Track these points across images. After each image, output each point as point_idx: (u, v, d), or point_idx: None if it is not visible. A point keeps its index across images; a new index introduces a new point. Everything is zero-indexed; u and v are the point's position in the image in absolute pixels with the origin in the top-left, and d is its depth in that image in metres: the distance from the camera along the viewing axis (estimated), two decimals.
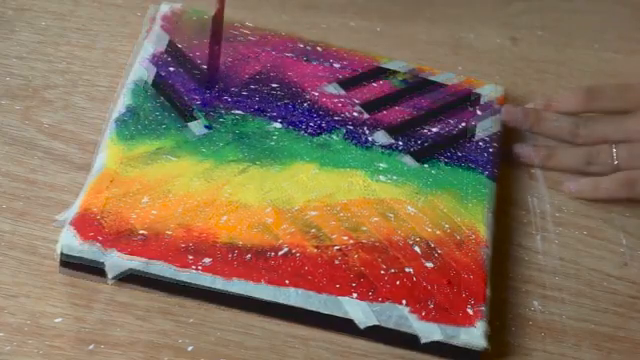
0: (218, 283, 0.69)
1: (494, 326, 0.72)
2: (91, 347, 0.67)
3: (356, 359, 0.70)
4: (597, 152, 0.84)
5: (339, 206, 0.76)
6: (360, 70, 0.86)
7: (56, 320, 0.68)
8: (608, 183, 0.82)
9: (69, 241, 0.69)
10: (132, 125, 0.77)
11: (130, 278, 0.69)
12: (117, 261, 0.69)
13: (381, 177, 0.78)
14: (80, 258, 0.69)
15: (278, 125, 0.80)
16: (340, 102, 0.83)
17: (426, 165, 0.80)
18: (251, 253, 0.71)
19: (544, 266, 0.78)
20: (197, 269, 0.69)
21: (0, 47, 0.83)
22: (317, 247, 0.73)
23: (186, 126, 0.78)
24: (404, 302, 0.70)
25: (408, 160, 0.80)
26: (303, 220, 0.74)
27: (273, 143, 0.79)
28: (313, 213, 0.75)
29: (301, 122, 0.81)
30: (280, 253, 0.71)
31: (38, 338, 0.67)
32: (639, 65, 0.97)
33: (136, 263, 0.69)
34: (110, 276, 0.69)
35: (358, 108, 0.83)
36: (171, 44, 0.84)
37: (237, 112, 0.80)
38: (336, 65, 0.86)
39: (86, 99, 0.81)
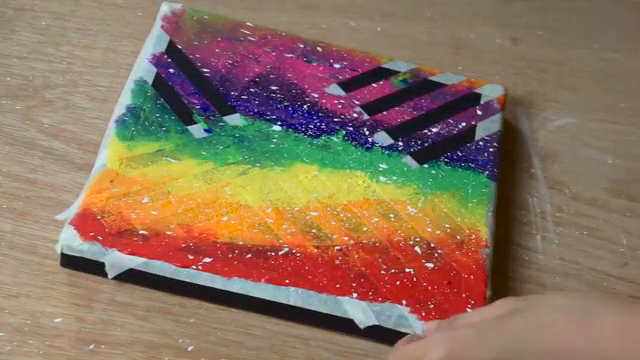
0: (218, 282, 0.69)
1: None
2: (91, 347, 0.67)
3: (356, 359, 0.70)
4: None
5: (340, 207, 0.76)
6: (360, 70, 0.86)
7: (56, 320, 0.68)
8: None
9: (69, 240, 0.69)
10: (132, 125, 0.77)
11: (130, 277, 0.69)
12: (117, 260, 0.69)
13: (382, 178, 0.78)
14: (80, 257, 0.69)
15: (278, 128, 0.80)
16: (340, 103, 0.83)
17: (427, 165, 0.80)
18: (251, 252, 0.71)
19: (544, 266, 0.78)
20: (197, 268, 0.69)
21: (0, 47, 0.84)
22: (317, 247, 0.73)
23: (186, 129, 0.78)
24: (404, 302, 0.70)
25: (409, 161, 0.80)
26: (304, 220, 0.74)
27: (273, 145, 0.79)
28: (314, 213, 0.75)
29: (301, 124, 0.81)
30: (280, 253, 0.71)
31: (38, 338, 0.67)
32: (639, 65, 0.97)
33: (136, 262, 0.69)
34: (110, 275, 0.69)
35: (358, 109, 0.83)
36: (171, 45, 0.84)
37: (237, 119, 0.80)
38: (336, 65, 0.86)
39: (86, 99, 0.81)
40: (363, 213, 0.76)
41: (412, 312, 0.70)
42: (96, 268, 0.69)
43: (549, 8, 1.01)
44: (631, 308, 0.58)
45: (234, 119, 0.80)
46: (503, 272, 0.77)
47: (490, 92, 0.87)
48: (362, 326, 0.70)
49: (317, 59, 0.86)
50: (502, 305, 0.64)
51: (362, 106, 0.83)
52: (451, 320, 0.67)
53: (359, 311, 0.70)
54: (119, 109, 0.78)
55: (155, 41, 0.84)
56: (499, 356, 0.60)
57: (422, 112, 0.84)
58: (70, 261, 0.69)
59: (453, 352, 0.61)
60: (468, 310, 0.71)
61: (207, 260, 0.70)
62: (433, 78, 0.87)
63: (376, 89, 0.85)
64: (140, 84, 0.80)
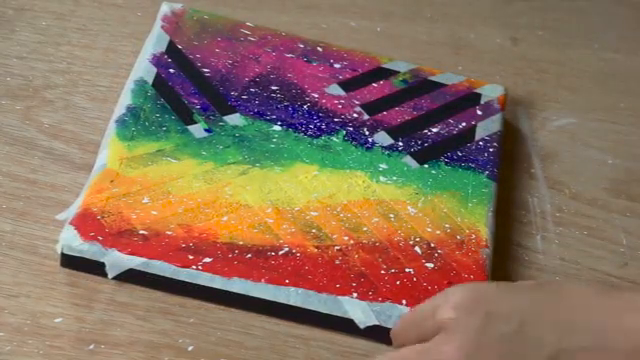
0: (218, 282, 0.69)
1: None
2: (91, 347, 0.67)
3: (356, 359, 0.70)
4: None
5: (340, 207, 0.76)
6: (360, 70, 0.86)
7: (56, 320, 0.68)
8: None
9: (70, 240, 0.69)
10: (132, 125, 0.77)
11: (130, 277, 0.69)
12: (117, 260, 0.69)
13: (382, 178, 0.78)
14: (80, 257, 0.69)
15: (278, 128, 0.80)
16: (340, 103, 0.83)
17: (427, 166, 0.80)
18: (251, 252, 0.71)
19: (544, 266, 0.78)
20: (197, 268, 0.69)
21: (0, 47, 0.84)
22: (317, 247, 0.73)
23: (186, 129, 0.78)
24: (404, 302, 0.70)
25: (409, 161, 0.80)
26: (304, 220, 0.74)
27: (273, 145, 0.79)
28: (314, 213, 0.75)
29: (301, 124, 0.81)
30: (280, 253, 0.71)
31: (38, 338, 0.67)
32: (639, 65, 0.97)
33: (136, 262, 0.69)
34: (110, 275, 0.69)
35: (358, 109, 0.83)
36: (171, 45, 0.84)
37: (238, 118, 0.80)
38: (336, 65, 0.86)
39: (86, 99, 0.81)
40: (363, 213, 0.76)
41: None
42: (96, 268, 0.69)
43: (549, 8, 1.01)
44: None
45: (234, 119, 0.80)
46: (503, 272, 0.77)
47: (490, 92, 0.87)
48: (362, 326, 0.70)
49: (317, 59, 0.86)
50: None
51: (362, 106, 0.83)
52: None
53: (359, 311, 0.70)
54: (119, 109, 0.78)
55: (155, 41, 0.84)
56: (520, 311, 0.59)
57: (422, 112, 0.84)
58: (70, 261, 0.69)
59: (474, 297, 0.60)
60: None
61: (207, 260, 0.70)
62: (433, 78, 0.87)
63: (376, 89, 0.85)
64: (140, 84, 0.80)
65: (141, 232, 0.70)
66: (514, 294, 0.60)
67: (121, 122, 0.77)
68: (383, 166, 0.79)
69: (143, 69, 0.81)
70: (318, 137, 0.80)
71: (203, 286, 0.69)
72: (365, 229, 0.74)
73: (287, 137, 0.79)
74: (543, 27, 0.98)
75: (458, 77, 0.88)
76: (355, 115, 0.82)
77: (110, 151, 0.75)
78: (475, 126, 0.84)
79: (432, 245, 0.74)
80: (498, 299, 0.60)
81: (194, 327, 0.69)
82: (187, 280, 0.69)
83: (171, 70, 0.82)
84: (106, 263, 0.69)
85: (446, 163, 0.81)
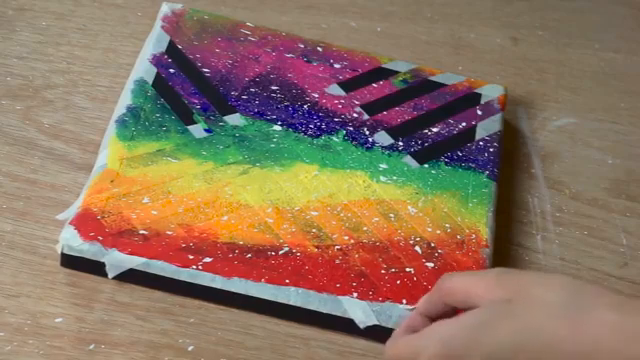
0: (218, 281, 0.69)
1: None
2: (91, 347, 0.67)
3: (356, 359, 0.70)
4: None
5: (340, 206, 0.76)
6: (360, 70, 0.86)
7: (57, 320, 0.68)
8: None
9: (70, 240, 0.69)
10: (133, 126, 0.77)
11: (130, 277, 0.69)
12: (117, 260, 0.69)
13: (382, 178, 0.78)
14: (81, 257, 0.69)
15: (278, 127, 0.80)
16: (340, 103, 0.83)
17: (427, 165, 0.80)
18: (252, 252, 0.71)
19: (544, 266, 0.78)
20: (197, 268, 0.69)
21: (0, 47, 0.84)
22: (318, 247, 0.73)
23: (186, 129, 0.78)
24: (404, 302, 0.70)
25: (409, 161, 0.80)
26: (304, 220, 0.74)
27: (274, 145, 0.79)
28: (314, 213, 0.75)
29: (302, 124, 0.81)
30: (281, 252, 0.71)
31: (39, 338, 0.67)
32: (639, 65, 0.97)
33: (136, 262, 0.69)
34: (110, 275, 0.69)
35: (358, 109, 0.83)
36: (171, 45, 0.84)
37: (238, 118, 0.80)
38: (336, 65, 0.86)
39: (86, 99, 0.81)
40: (363, 213, 0.76)
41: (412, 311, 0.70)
42: (96, 268, 0.69)
43: (549, 8, 1.01)
44: (622, 304, 0.58)
45: (234, 119, 0.80)
46: None
47: (490, 92, 0.87)
48: (362, 326, 0.70)
49: (317, 59, 0.86)
50: (494, 286, 0.62)
51: (362, 106, 0.83)
52: (442, 280, 0.65)
53: (359, 311, 0.70)
54: (119, 109, 0.78)
55: (155, 41, 0.84)
56: (493, 355, 0.60)
57: (422, 112, 0.84)
58: (70, 261, 0.69)
59: (447, 350, 0.61)
60: None
61: (207, 260, 0.70)
62: (433, 78, 0.87)
63: (376, 89, 0.85)
64: (140, 84, 0.80)
65: (141, 232, 0.70)
66: (487, 339, 0.60)
67: (121, 122, 0.77)
68: (383, 166, 0.79)
69: (143, 69, 0.81)
70: (318, 137, 0.80)
71: (203, 286, 0.69)
72: (365, 229, 0.74)
73: (287, 137, 0.79)
74: (543, 27, 0.98)
75: (458, 77, 0.88)
76: (355, 115, 0.82)
77: (110, 151, 0.75)
78: (475, 126, 0.84)
79: (432, 245, 0.74)
80: (472, 349, 0.61)
81: (194, 327, 0.69)
82: (187, 280, 0.69)
83: (171, 70, 0.82)
84: (106, 263, 0.69)
85: (446, 163, 0.81)
